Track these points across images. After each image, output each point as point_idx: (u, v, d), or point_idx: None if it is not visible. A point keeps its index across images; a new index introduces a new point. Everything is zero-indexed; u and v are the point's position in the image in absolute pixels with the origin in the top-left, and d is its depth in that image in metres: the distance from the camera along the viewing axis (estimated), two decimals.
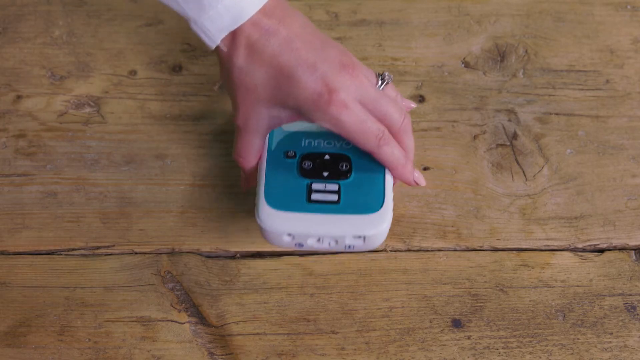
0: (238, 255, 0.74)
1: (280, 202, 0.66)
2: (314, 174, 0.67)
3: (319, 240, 0.65)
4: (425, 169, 0.77)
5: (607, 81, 0.82)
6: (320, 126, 0.66)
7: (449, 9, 0.84)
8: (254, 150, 0.69)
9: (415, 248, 0.74)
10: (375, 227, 0.65)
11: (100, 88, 0.80)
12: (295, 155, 0.69)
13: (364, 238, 0.65)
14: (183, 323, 0.70)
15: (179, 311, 0.71)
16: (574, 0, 0.85)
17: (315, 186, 0.67)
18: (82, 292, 0.71)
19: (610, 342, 0.70)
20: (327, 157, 0.68)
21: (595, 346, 0.70)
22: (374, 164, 0.68)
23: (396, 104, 0.68)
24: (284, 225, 0.65)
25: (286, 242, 0.66)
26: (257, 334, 0.70)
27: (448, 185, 0.76)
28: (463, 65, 0.82)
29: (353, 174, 0.67)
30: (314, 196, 0.66)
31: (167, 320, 0.70)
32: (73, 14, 0.83)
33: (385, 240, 0.74)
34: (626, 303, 0.72)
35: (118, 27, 0.83)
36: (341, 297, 0.72)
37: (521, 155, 0.78)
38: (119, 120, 0.79)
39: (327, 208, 0.66)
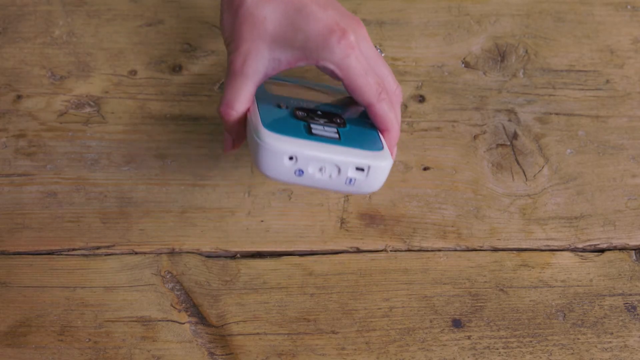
0: (238, 255, 0.74)
1: (280, 129, 0.63)
2: (310, 119, 0.66)
3: (320, 169, 0.63)
4: (425, 169, 0.77)
5: (607, 81, 0.82)
6: (321, 69, 0.65)
7: (449, 9, 0.84)
8: (245, 99, 0.66)
9: (416, 248, 0.74)
10: (380, 160, 0.63)
11: (101, 88, 0.80)
12: (287, 107, 0.67)
13: (368, 170, 0.63)
14: (183, 323, 0.70)
15: (179, 311, 0.71)
16: (574, 0, 0.85)
17: (313, 126, 0.65)
18: (82, 292, 0.71)
19: (610, 342, 0.70)
20: (319, 112, 0.67)
21: (596, 346, 0.70)
22: (366, 123, 0.67)
23: (391, 71, 0.68)
24: (286, 145, 0.62)
25: (285, 168, 0.62)
26: (257, 334, 0.70)
27: (448, 185, 0.76)
28: (463, 65, 0.82)
29: (348, 126, 0.66)
30: (315, 131, 0.64)
31: (167, 320, 0.70)
32: (73, 13, 0.83)
33: (384, 240, 0.74)
34: (626, 303, 0.72)
35: (118, 27, 0.83)
36: (341, 297, 0.72)
37: (521, 155, 0.78)
38: (119, 120, 0.79)
39: (328, 141, 0.63)
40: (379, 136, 0.66)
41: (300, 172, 0.63)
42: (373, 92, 0.65)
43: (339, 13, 0.66)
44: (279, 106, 0.67)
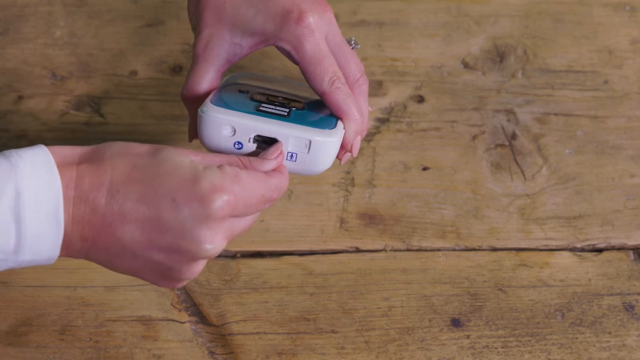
0: (238, 254, 0.74)
1: (226, 105, 0.63)
2: (264, 101, 0.65)
3: (260, 142, 0.62)
4: (424, 169, 0.77)
5: (606, 81, 0.82)
6: (281, 47, 0.64)
7: (449, 9, 0.85)
8: (206, 84, 0.66)
9: (415, 248, 0.74)
10: (323, 135, 0.62)
11: (101, 88, 0.80)
12: (248, 92, 0.66)
13: (309, 145, 0.62)
14: (183, 322, 0.71)
15: (180, 310, 0.71)
16: (573, 1, 0.86)
17: (265, 105, 0.64)
18: (83, 291, 0.72)
19: (608, 341, 0.70)
20: (280, 97, 0.66)
21: (594, 345, 0.70)
22: (328, 112, 0.65)
23: (358, 61, 0.67)
24: (224, 116, 0.62)
25: (224, 139, 0.62)
26: (257, 333, 0.70)
27: (447, 185, 0.77)
28: (462, 65, 0.82)
29: (306, 110, 0.65)
30: (262, 108, 0.63)
31: (168, 320, 0.71)
32: (74, 14, 0.84)
33: (383, 240, 0.74)
34: (624, 302, 0.72)
35: (119, 28, 0.83)
36: (341, 297, 0.72)
37: (520, 155, 0.78)
38: (119, 121, 0.79)
39: (273, 117, 0.63)
40: (337, 121, 0.64)
41: (240, 144, 0.62)
42: (326, 80, 0.64)
43: None
44: (241, 91, 0.66)
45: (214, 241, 0.57)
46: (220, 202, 0.56)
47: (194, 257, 0.57)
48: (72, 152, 0.58)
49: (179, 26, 0.83)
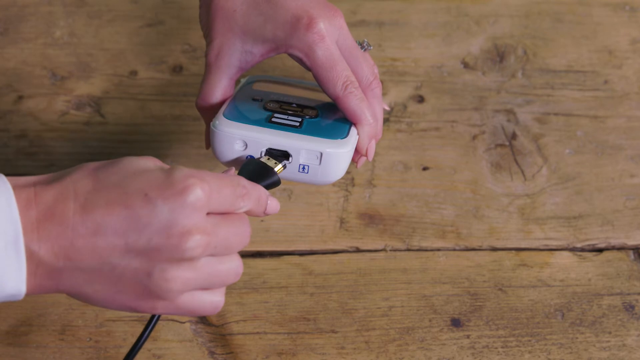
0: None
1: (239, 117, 0.64)
2: (277, 110, 0.65)
3: (271, 156, 0.63)
4: (424, 169, 0.77)
5: (606, 81, 0.82)
6: (292, 55, 0.65)
7: (448, 9, 0.85)
8: (220, 93, 0.66)
9: (415, 248, 0.74)
10: (334, 147, 0.62)
11: (101, 88, 0.80)
12: (262, 100, 0.67)
13: (320, 157, 0.62)
14: (183, 322, 0.71)
15: None
16: (572, 1, 0.86)
17: (277, 115, 0.64)
18: None
19: (608, 341, 0.70)
20: (293, 104, 0.67)
21: (594, 345, 0.70)
22: (342, 116, 0.66)
23: (370, 64, 0.67)
24: (235, 130, 0.62)
25: (237, 154, 0.63)
26: (257, 333, 0.70)
27: (447, 185, 0.77)
28: (462, 65, 0.82)
29: (319, 118, 0.66)
30: (275, 119, 0.64)
31: (168, 320, 0.71)
32: (74, 14, 0.84)
33: (383, 240, 0.74)
34: (624, 302, 0.72)
35: (119, 28, 0.83)
36: (341, 297, 0.72)
37: (520, 155, 0.78)
38: (119, 121, 0.79)
39: (285, 128, 0.63)
40: (350, 128, 0.65)
41: (252, 158, 0.63)
42: (339, 85, 0.64)
43: (313, 1, 0.65)
44: (254, 99, 0.67)
45: (196, 232, 0.53)
46: (197, 191, 0.53)
47: (175, 255, 0.53)
48: (25, 179, 0.53)
49: (179, 26, 0.83)
